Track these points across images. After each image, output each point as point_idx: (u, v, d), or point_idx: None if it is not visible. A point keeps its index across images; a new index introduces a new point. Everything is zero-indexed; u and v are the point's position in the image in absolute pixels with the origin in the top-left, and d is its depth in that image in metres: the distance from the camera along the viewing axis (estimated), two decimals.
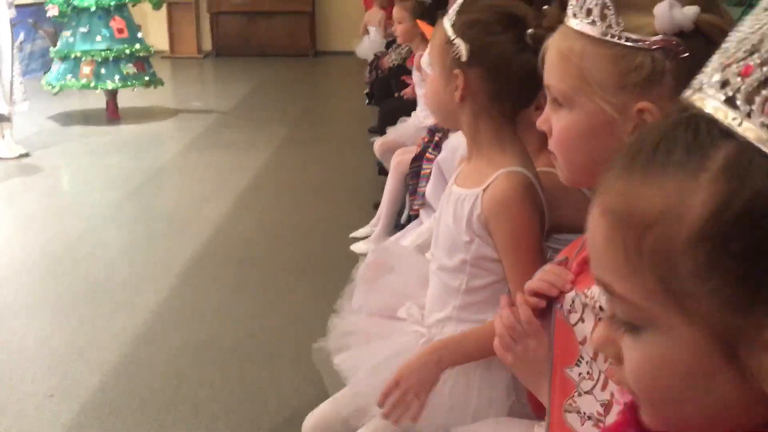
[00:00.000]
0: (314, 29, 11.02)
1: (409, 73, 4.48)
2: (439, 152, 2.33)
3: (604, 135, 0.89)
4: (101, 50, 5.90)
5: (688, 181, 0.45)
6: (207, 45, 11.01)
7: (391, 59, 5.44)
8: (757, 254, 0.43)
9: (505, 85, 1.29)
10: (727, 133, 0.45)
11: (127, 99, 6.37)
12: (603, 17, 0.86)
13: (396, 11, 4.05)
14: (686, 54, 0.81)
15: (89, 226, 3.95)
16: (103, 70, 5.94)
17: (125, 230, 3.94)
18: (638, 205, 0.47)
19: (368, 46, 7.04)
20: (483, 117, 1.32)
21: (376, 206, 3.86)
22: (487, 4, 1.32)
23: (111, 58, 5.92)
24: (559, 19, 1.28)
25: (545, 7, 1.34)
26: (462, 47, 1.28)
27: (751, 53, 0.46)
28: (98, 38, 5.93)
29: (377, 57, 6.00)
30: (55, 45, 6.43)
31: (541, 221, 1.29)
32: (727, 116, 0.45)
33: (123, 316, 2.94)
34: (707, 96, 0.47)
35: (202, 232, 3.82)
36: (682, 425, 0.50)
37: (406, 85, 4.49)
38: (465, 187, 1.33)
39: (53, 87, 5.96)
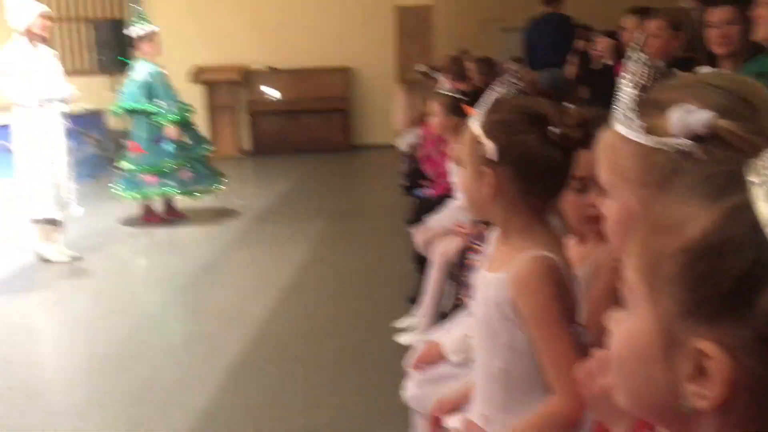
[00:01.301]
0: (349, 124, 11.35)
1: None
2: (483, 243, 2.37)
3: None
4: (169, 161, 6.13)
5: (703, 209, 0.56)
6: (247, 144, 11.38)
7: (423, 149, 5.57)
8: (707, 281, 0.55)
9: (533, 182, 1.36)
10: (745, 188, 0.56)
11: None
12: (630, 115, 0.90)
13: (431, 105, 4.20)
14: (703, 157, 0.83)
15: (136, 326, 4.04)
16: (166, 179, 6.17)
17: (172, 330, 4.02)
18: (664, 212, 0.60)
19: (405, 138, 7.24)
20: (513, 210, 1.39)
21: (414, 298, 3.90)
22: (513, 104, 1.41)
23: (172, 168, 6.15)
24: (579, 116, 1.35)
25: (566, 104, 1.41)
26: (490, 147, 1.36)
27: None
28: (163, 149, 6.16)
29: (413, 148, 6.16)
30: (103, 152, 6.71)
31: (568, 300, 1.33)
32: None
33: (172, 416, 2.97)
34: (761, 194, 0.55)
35: (247, 329, 3.88)
36: (631, 401, 0.63)
37: (440, 174, 4.59)
38: (494, 272, 1.38)
39: (124, 196, 6.15)
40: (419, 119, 7.44)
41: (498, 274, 1.37)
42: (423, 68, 8.43)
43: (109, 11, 10.96)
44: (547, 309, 1.31)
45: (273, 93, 11.27)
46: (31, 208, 5.08)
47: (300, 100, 11.12)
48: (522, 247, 1.36)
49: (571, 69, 6.63)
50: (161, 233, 6.18)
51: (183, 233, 6.22)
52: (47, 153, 5.03)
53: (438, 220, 3.90)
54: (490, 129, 1.37)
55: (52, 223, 5.18)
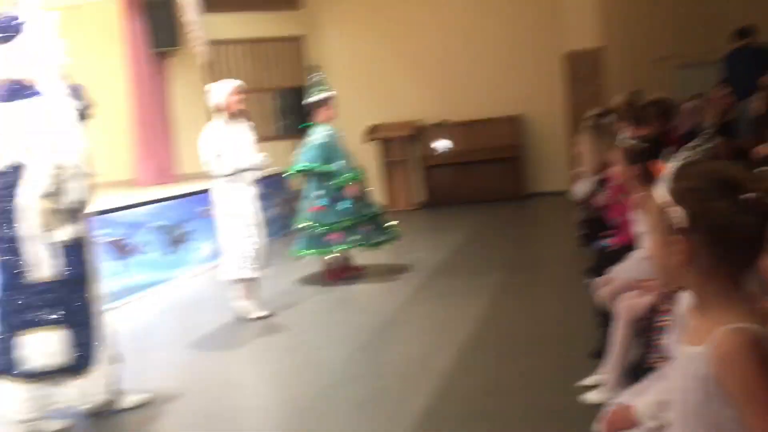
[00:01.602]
0: (521, 173, 11.29)
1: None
2: (674, 304, 2.29)
3: None
4: (349, 218, 6.42)
5: None
6: (421, 197, 11.64)
7: (604, 197, 5.42)
8: None
9: (727, 250, 1.31)
10: None
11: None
12: None
13: (613, 154, 4.11)
14: None
15: (325, 382, 4.21)
16: (350, 234, 6.44)
17: (357, 386, 4.14)
18: None
19: (581, 186, 7.09)
20: (708, 279, 1.34)
21: (597, 353, 3.77)
22: (703, 169, 1.37)
23: (351, 224, 6.43)
24: None
25: (760, 169, 1.36)
26: (681, 214, 1.33)
27: None
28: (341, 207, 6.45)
29: (587, 196, 6.02)
30: (287, 212, 7.11)
31: None
32: None
33: None
34: None
35: (429, 385, 3.94)
36: None
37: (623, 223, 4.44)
38: (692, 345, 1.34)
39: (306, 254, 6.47)
40: (599, 166, 7.25)
41: (697, 349, 1.32)
42: (595, 112, 8.25)
43: (290, 80, 11.75)
44: (755, 385, 1.25)
45: (445, 145, 11.49)
46: (230, 269, 5.50)
47: (471, 151, 11.24)
48: (720, 319, 1.31)
49: (758, 105, 6.25)
50: (341, 290, 6.42)
51: (362, 289, 6.43)
52: (244, 218, 5.45)
53: (622, 271, 3.77)
54: (679, 196, 1.35)
55: (249, 282, 5.55)
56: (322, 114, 6.56)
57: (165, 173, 10.21)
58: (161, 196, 7.65)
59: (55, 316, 3.41)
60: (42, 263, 3.36)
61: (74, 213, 3.46)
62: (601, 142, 4.55)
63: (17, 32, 3.41)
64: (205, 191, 8.08)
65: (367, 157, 11.34)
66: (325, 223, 6.40)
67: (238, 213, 5.44)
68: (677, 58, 10.92)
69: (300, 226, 6.59)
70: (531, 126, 11.45)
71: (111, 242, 6.55)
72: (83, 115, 3.74)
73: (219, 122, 5.49)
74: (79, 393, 3.57)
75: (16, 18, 3.41)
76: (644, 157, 3.88)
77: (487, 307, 5.40)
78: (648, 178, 3.89)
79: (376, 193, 11.27)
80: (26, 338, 3.39)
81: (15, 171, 3.37)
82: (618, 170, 3.99)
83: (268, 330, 5.39)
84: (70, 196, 3.40)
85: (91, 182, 3.57)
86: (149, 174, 9.94)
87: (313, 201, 6.51)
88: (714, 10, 10.56)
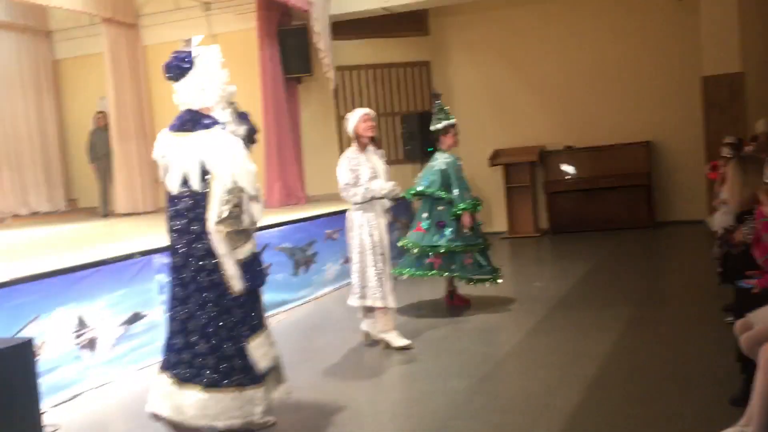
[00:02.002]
0: (652, 200, 10.87)
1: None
2: None
3: None
4: (449, 245, 6.41)
5: None
6: (544, 223, 11.42)
7: (744, 233, 5.11)
8: None
9: None
10: None
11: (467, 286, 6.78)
12: None
13: (761, 192, 3.90)
14: None
15: (446, 414, 4.17)
16: (449, 262, 6.43)
17: (477, 421, 4.09)
18: None
19: (720, 218, 6.77)
20: None
21: (737, 401, 3.56)
22: None
23: (450, 252, 6.40)
24: None
25: None
26: None
27: None
28: (443, 233, 6.47)
29: (727, 231, 5.71)
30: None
31: None
32: None
33: None
34: None
35: (553, 424, 3.83)
36: None
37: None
38: None
39: (404, 273, 6.50)
40: (744, 200, 6.86)
41: None
42: (731, 140, 7.85)
43: (416, 105, 11.88)
44: None
45: (570, 170, 11.25)
46: (363, 297, 5.56)
47: (598, 177, 10.94)
48: None
49: None
50: (464, 318, 6.38)
51: (484, 318, 6.35)
52: (376, 245, 5.51)
53: (765, 317, 3.56)
54: None
55: (384, 310, 5.58)
56: (444, 141, 6.63)
57: (293, 195, 10.56)
58: (289, 218, 7.89)
59: (255, 323, 3.71)
60: (235, 278, 3.62)
61: (250, 232, 3.72)
62: (746, 175, 4.30)
63: (190, 67, 3.71)
64: (331, 214, 8.31)
65: (491, 182, 11.29)
66: (424, 246, 6.45)
67: (369, 241, 5.50)
68: None
69: (400, 244, 6.66)
70: (664, 152, 11.02)
71: None
72: (251, 140, 4.02)
73: (352, 149, 5.61)
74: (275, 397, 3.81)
75: (189, 54, 3.72)
76: None
77: (614, 343, 5.22)
78: None
79: (498, 218, 11.26)
80: (251, 345, 3.68)
81: (194, 196, 3.63)
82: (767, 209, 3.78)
83: (390, 356, 5.43)
84: (247, 218, 3.65)
85: (261, 203, 3.79)
86: (278, 196, 10.30)
87: (419, 223, 6.59)
88: None
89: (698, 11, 9.99)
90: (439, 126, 6.62)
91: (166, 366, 3.73)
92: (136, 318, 5.59)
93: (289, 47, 10.93)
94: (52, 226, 10.09)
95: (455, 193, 6.46)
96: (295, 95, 11.18)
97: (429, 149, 10.91)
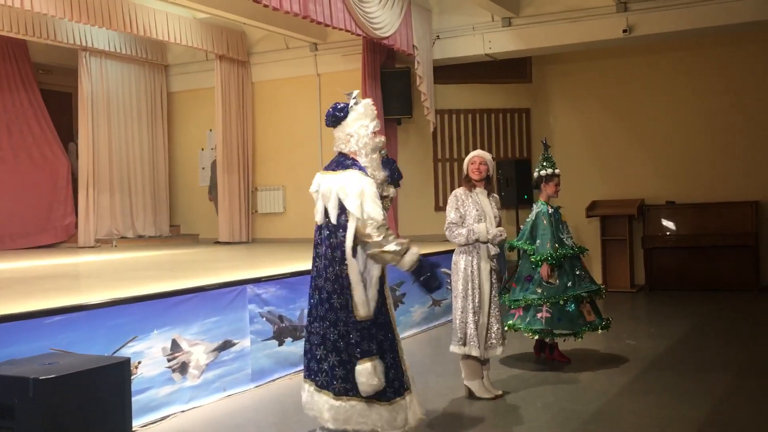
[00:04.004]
0: (758, 263, 10.37)
1: None
2: None
3: None
4: (529, 297, 6.31)
5: None
6: (640, 279, 11.06)
7: None
8: None
9: None
10: None
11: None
12: None
13: None
14: None
15: None
16: (526, 314, 6.31)
17: None
18: None
19: None
20: None
21: None
22: None
23: (529, 305, 6.28)
24: None
25: None
26: None
27: None
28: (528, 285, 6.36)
29: None
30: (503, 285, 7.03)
31: None
32: None
33: None
34: None
35: None
36: None
37: None
38: None
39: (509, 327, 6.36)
40: None
41: None
42: None
43: (511, 152, 11.85)
44: None
45: (671, 226, 10.90)
46: (455, 343, 5.50)
47: (700, 235, 10.54)
48: None
49: None
50: (554, 373, 6.21)
51: (574, 375, 6.17)
52: (475, 292, 5.43)
53: None
54: None
55: (477, 360, 5.50)
56: (545, 190, 6.52)
57: None
58: None
59: (366, 348, 4.04)
60: (360, 304, 4.02)
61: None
62: None
63: (345, 117, 4.22)
64: (424, 256, 8.31)
65: (587, 234, 11.05)
66: (510, 298, 6.41)
67: (472, 287, 5.44)
68: None
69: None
70: None
71: None
72: (394, 183, 4.50)
73: (462, 189, 5.62)
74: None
75: (346, 105, 4.24)
76: None
77: (713, 412, 4.96)
78: None
79: (594, 271, 10.95)
80: (357, 367, 4.02)
81: (331, 226, 4.10)
82: None
83: (472, 406, 5.35)
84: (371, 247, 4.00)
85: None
86: None
87: (514, 276, 6.55)
88: None
89: None
90: (543, 173, 6.53)
91: (308, 375, 4.24)
92: (227, 345, 5.75)
93: (391, 89, 11.15)
94: (157, 251, 10.54)
95: (537, 243, 6.35)
96: (394, 136, 11.34)
97: (525, 197, 10.91)
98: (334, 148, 4.29)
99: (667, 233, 10.88)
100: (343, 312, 4.03)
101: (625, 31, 9.98)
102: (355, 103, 4.23)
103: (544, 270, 6.28)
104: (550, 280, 6.28)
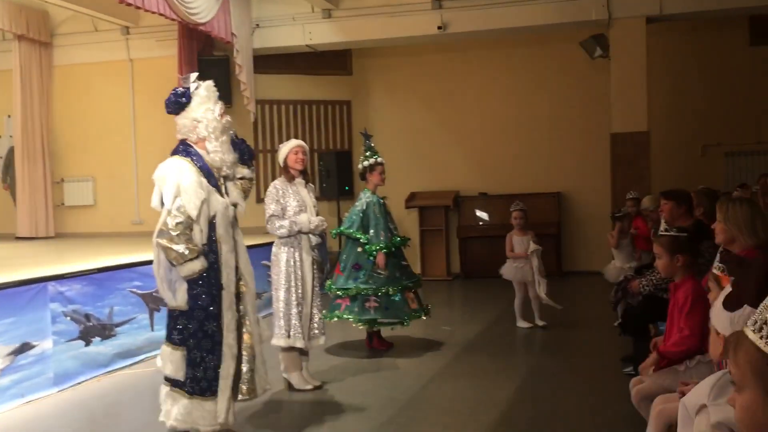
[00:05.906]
0: (561, 250, 11.16)
1: (662, 302, 4.32)
2: None
3: None
4: (357, 287, 6.35)
5: None
6: (456, 267, 11.54)
7: (642, 285, 5.26)
8: None
9: None
10: None
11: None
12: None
13: (655, 246, 4.01)
14: None
15: None
16: (352, 304, 6.35)
17: None
18: None
19: (615, 271, 7.01)
20: None
21: None
22: None
23: (357, 294, 6.33)
24: None
25: None
26: None
27: None
28: (355, 275, 6.41)
29: (626, 279, 5.88)
30: (324, 274, 7.03)
31: None
32: None
33: None
34: None
35: None
36: None
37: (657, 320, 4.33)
38: None
39: (329, 318, 6.38)
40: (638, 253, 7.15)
41: None
42: (632, 196, 8.17)
43: (332, 144, 11.91)
44: None
45: (484, 216, 11.46)
46: (279, 336, 5.40)
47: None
48: None
49: None
50: (370, 360, 6.31)
51: (390, 362, 6.29)
52: (297, 283, 5.37)
53: (656, 375, 3.63)
54: None
55: (298, 351, 5.44)
56: (370, 180, 6.57)
57: None
58: None
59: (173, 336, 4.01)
60: (162, 291, 3.95)
61: (193, 252, 3.86)
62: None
63: (189, 102, 4.03)
64: (255, 246, 8.13)
65: (406, 224, 11.36)
66: (335, 287, 6.43)
67: (293, 278, 5.36)
68: (726, 146, 10.84)
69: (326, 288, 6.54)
70: (573, 204, 11.38)
71: (143, 295, 6.59)
72: (248, 164, 4.38)
73: (281, 180, 5.51)
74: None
75: (186, 90, 4.03)
76: (686, 249, 3.79)
77: (517, 390, 5.26)
78: (691, 269, 3.79)
79: (412, 260, 11.26)
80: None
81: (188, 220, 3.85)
82: (661, 264, 3.89)
83: (291, 397, 5.30)
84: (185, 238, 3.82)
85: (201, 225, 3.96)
86: None
87: (338, 264, 6.55)
88: (763, 99, 10.52)
89: (609, 71, 10.44)
90: (366, 164, 6.58)
91: None
92: (25, 348, 5.29)
93: (209, 77, 10.73)
94: None
95: (371, 233, 6.42)
96: None
97: (346, 188, 11.01)
98: (177, 136, 4.07)
99: (480, 223, 11.42)
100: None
101: (439, 27, 10.34)
102: (196, 88, 4.05)
103: (380, 259, 6.33)
104: (379, 270, 6.37)
